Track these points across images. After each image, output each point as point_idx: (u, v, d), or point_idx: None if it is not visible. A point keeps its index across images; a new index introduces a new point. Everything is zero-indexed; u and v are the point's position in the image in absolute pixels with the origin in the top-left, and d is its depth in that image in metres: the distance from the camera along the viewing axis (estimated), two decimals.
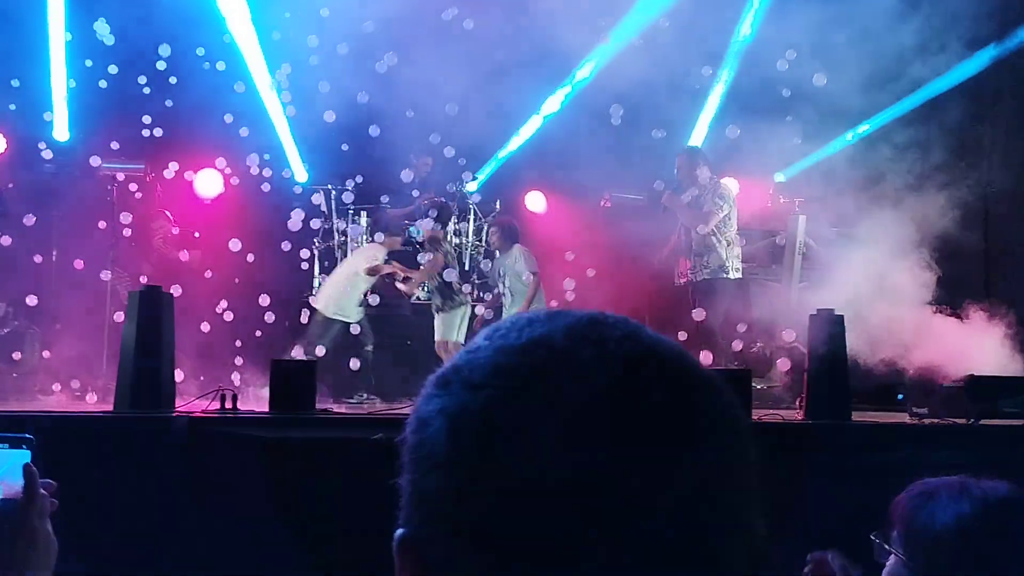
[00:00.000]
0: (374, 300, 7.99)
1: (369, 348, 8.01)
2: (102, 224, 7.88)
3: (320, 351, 7.31)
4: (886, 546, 1.82)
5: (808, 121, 8.43)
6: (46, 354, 7.40)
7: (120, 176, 8.55)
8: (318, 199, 9.17)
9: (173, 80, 8.33)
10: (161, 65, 8.22)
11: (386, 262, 8.18)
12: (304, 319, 7.86)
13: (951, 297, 7.42)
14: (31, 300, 7.47)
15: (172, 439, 4.88)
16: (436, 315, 8.17)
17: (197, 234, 8.47)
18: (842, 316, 6.10)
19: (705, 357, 6.14)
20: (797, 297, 8.09)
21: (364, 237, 9.11)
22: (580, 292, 7.89)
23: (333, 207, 9.35)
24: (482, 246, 9.34)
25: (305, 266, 8.77)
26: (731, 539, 0.68)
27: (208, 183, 9.45)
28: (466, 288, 8.49)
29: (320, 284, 9.09)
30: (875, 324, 6.82)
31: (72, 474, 1.65)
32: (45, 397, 6.51)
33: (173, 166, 8.57)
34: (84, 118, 8.96)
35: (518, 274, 8.37)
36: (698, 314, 7.22)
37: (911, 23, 7.94)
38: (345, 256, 9.03)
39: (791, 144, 8.79)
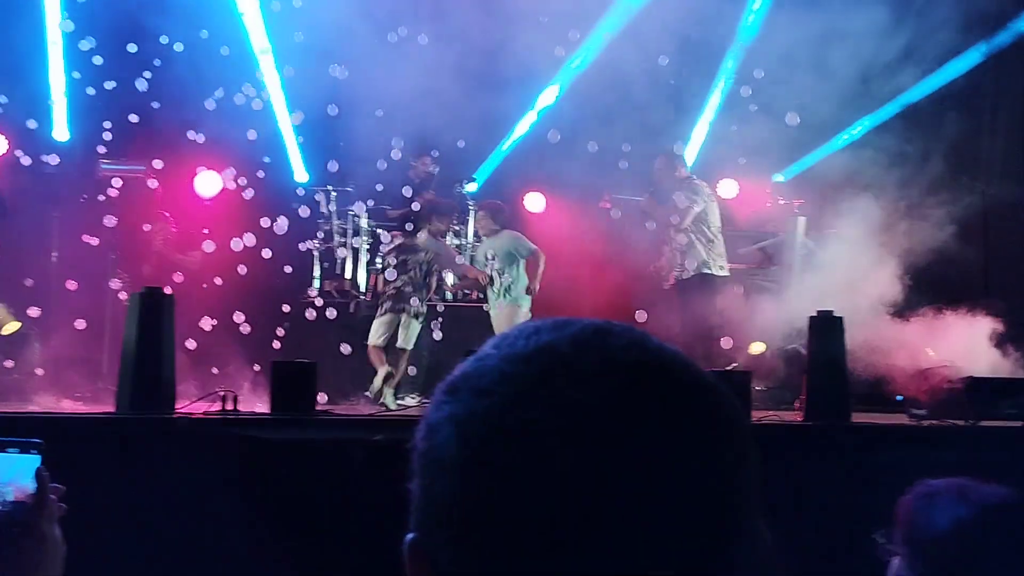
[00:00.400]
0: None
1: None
2: (105, 223, 7.87)
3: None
4: (889, 546, 1.83)
5: (807, 122, 8.43)
6: (46, 355, 7.39)
7: (120, 177, 8.55)
8: (319, 199, 9.18)
9: (171, 77, 8.31)
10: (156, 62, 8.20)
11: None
12: (310, 317, 7.83)
13: (949, 300, 7.43)
14: (33, 312, 7.47)
15: (173, 440, 4.89)
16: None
17: (206, 230, 8.45)
18: (841, 318, 6.11)
19: (700, 357, 6.15)
20: (796, 299, 8.10)
21: (365, 240, 9.11)
22: (569, 293, 7.93)
23: (333, 208, 9.35)
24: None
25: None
26: (734, 542, 0.69)
27: (207, 184, 9.46)
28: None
29: (320, 284, 9.10)
30: (871, 326, 6.83)
31: (73, 475, 1.66)
32: (46, 398, 6.50)
33: (173, 167, 8.57)
34: (84, 118, 8.96)
35: (511, 256, 8.29)
36: (640, 315, 7.08)
37: (907, 23, 7.96)
38: (347, 257, 9.05)
39: (789, 145, 8.81)
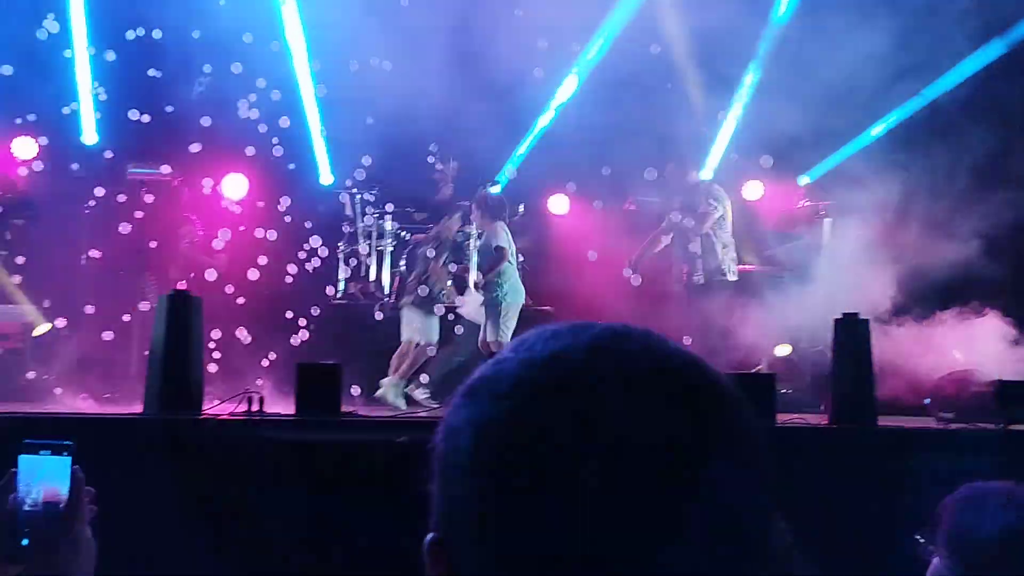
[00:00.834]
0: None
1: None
2: (129, 228, 7.95)
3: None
4: (931, 547, 1.82)
5: (831, 122, 8.38)
6: (75, 357, 7.47)
7: (147, 180, 8.65)
8: (343, 200, 9.25)
9: (200, 84, 8.41)
10: (201, 80, 8.27)
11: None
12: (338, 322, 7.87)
13: (976, 303, 7.36)
14: (59, 322, 7.56)
15: (200, 441, 4.94)
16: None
17: (228, 232, 8.53)
18: (867, 320, 6.06)
19: (717, 362, 6.12)
20: (822, 301, 8.04)
21: (389, 242, 9.15)
22: (593, 297, 7.92)
23: (358, 210, 9.40)
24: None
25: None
26: (751, 546, 0.70)
27: (234, 187, 9.55)
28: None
29: (345, 286, 9.15)
30: (899, 329, 6.78)
31: (102, 476, 1.69)
32: (75, 399, 6.59)
33: (199, 170, 8.65)
34: (111, 123, 9.06)
35: (490, 248, 8.06)
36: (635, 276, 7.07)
37: (934, 18, 7.90)
38: (372, 258, 9.11)
39: (815, 145, 8.76)
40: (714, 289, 7.85)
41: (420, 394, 7.67)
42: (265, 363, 7.20)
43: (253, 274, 7.79)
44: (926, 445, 5.54)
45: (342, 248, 9.24)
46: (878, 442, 5.58)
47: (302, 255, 8.33)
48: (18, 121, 8.44)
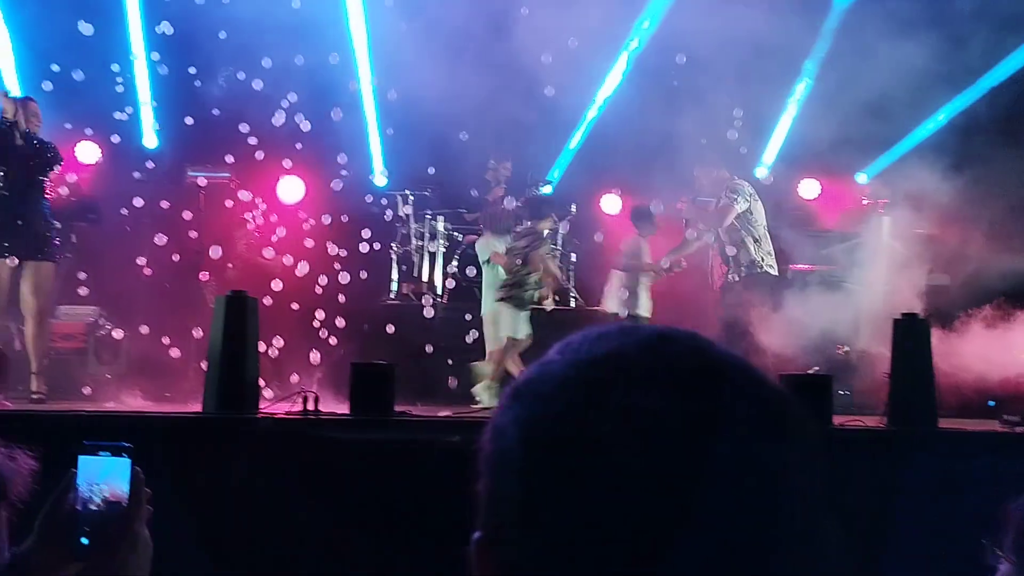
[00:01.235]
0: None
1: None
2: (193, 234, 8.10)
3: None
4: (998, 552, 1.78)
5: (887, 119, 8.24)
6: (137, 357, 7.64)
7: (205, 183, 8.81)
8: (397, 203, 9.33)
9: (258, 85, 8.51)
10: (241, 75, 8.40)
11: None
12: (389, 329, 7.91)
13: None
14: (117, 333, 7.72)
15: (257, 440, 5.02)
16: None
17: (283, 233, 8.64)
18: (927, 321, 5.94)
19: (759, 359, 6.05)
20: (881, 301, 7.90)
21: (442, 243, 9.21)
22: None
23: (411, 212, 9.48)
24: (558, 249, 9.35)
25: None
26: (796, 546, 0.69)
27: (290, 189, 9.70)
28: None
29: (398, 287, 9.22)
30: (961, 330, 6.63)
31: (162, 473, 1.72)
32: (136, 399, 6.74)
33: (256, 172, 8.79)
34: (171, 126, 9.25)
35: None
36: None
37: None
38: (424, 259, 9.16)
39: (874, 142, 8.61)
40: (752, 284, 7.76)
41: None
42: (319, 362, 7.27)
43: (307, 275, 7.88)
44: (990, 448, 5.41)
45: (395, 249, 9.32)
46: (939, 445, 5.46)
47: (356, 256, 8.41)
48: (87, 131, 8.65)
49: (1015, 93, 8.49)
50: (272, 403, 5.67)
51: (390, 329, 7.63)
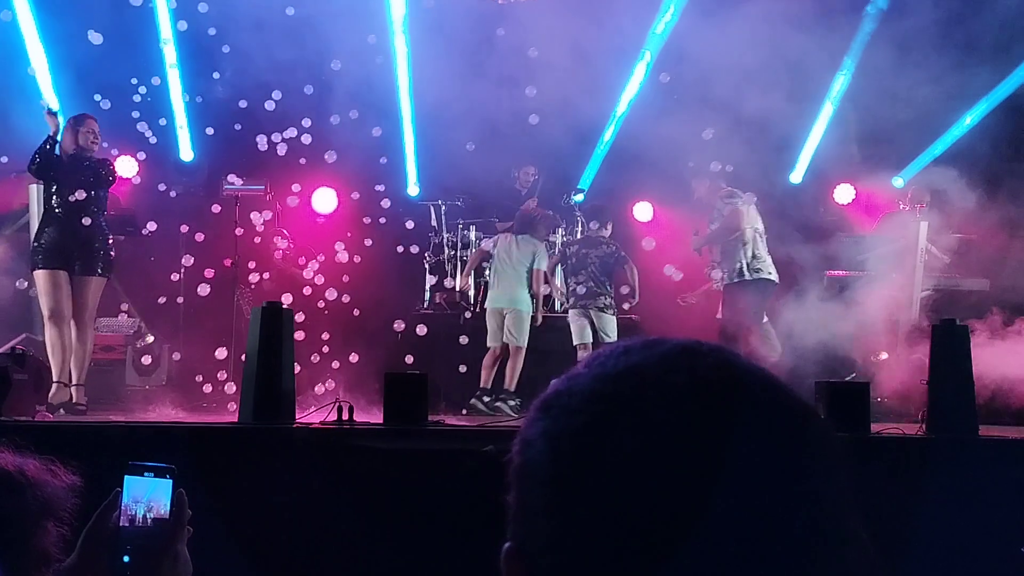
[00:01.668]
0: None
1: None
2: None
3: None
4: None
5: (919, 120, 8.16)
6: (174, 368, 7.74)
7: (241, 195, 8.92)
8: (430, 213, 9.39)
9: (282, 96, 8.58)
10: (277, 94, 8.47)
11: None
12: (420, 331, 7.96)
13: None
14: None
15: (293, 449, 5.06)
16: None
17: (318, 244, 8.72)
18: (966, 327, 5.86)
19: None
20: (918, 307, 7.81)
21: (474, 251, 9.23)
22: (673, 303, 7.89)
23: (443, 221, 9.53)
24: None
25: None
26: (821, 557, 0.70)
27: (324, 201, 9.80)
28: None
29: (431, 296, 9.27)
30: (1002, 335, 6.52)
31: (198, 482, 1.75)
32: (174, 409, 6.82)
33: (290, 184, 8.87)
34: (206, 139, 9.37)
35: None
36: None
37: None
38: (456, 268, 9.20)
39: (909, 146, 8.53)
40: (741, 290, 7.73)
41: (507, 405, 7.70)
42: (352, 372, 7.33)
43: (340, 285, 7.95)
44: None
45: (428, 258, 9.37)
46: (979, 453, 5.37)
47: (389, 265, 8.46)
48: (129, 154, 8.77)
49: None
50: (307, 413, 5.71)
51: (422, 330, 7.67)
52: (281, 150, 8.25)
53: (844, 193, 10.25)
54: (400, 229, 9.09)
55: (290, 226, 9.36)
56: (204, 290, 7.48)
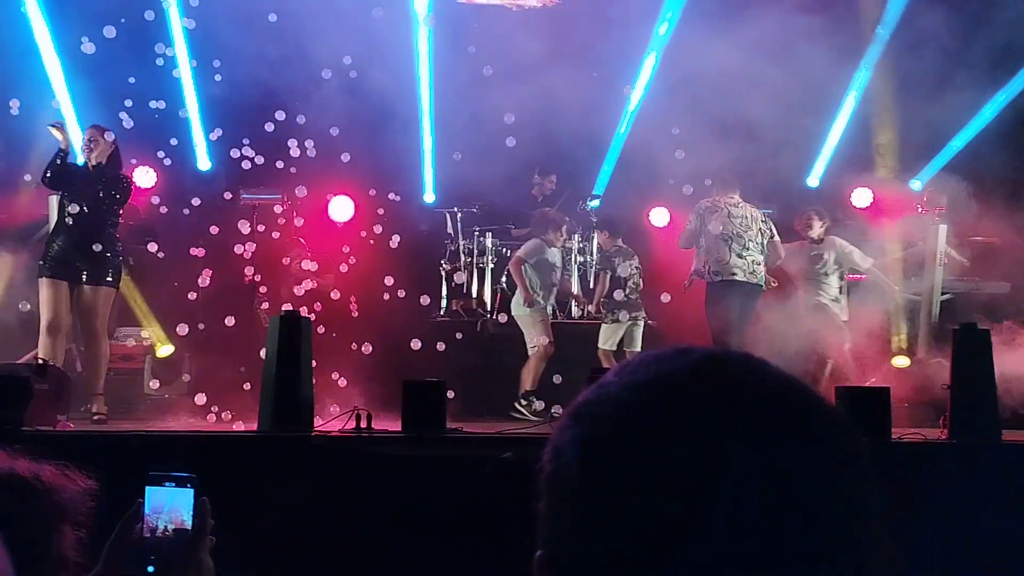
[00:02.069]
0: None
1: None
2: (204, 278, 8.17)
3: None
4: None
5: (934, 121, 8.11)
6: (194, 376, 7.78)
7: (258, 205, 8.96)
8: (445, 220, 9.41)
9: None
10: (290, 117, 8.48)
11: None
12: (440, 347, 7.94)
13: None
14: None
15: (312, 457, 5.08)
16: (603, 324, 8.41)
17: (335, 252, 8.73)
18: (987, 331, 5.81)
19: None
20: (937, 311, 7.75)
21: (491, 259, 9.24)
22: (685, 309, 7.89)
23: (459, 228, 9.54)
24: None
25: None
26: (849, 561, 0.70)
27: (341, 209, 9.83)
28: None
29: (448, 304, 9.28)
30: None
31: (218, 491, 1.75)
32: (194, 418, 6.85)
33: (307, 193, 8.91)
34: (223, 148, 9.41)
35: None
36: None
37: None
38: (474, 275, 9.22)
39: (926, 148, 8.48)
40: (699, 291, 7.87)
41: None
42: (369, 380, 7.33)
43: (358, 293, 7.98)
44: None
45: (444, 266, 9.38)
46: (1002, 458, 5.32)
47: (406, 274, 8.47)
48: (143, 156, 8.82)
49: None
50: (326, 421, 5.73)
51: (440, 346, 7.67)
52: (298, 158, 8.27)
53: (861, 196, 10.20)
54: (416, 236, 9.10)
55: (307, 234, 9.39)
56: (204, 280, 7.55)
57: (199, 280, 7.79)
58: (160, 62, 8.62)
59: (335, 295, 8.03)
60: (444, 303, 9.32)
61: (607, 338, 8.34)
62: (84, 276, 6.85)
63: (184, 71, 9.26)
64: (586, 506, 0.73)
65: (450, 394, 5.82)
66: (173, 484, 1.55)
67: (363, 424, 5.50)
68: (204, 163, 9.85)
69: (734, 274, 7.75)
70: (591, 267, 9.23)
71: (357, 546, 4.76)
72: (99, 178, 6.99)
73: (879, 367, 7.78)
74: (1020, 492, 4.90)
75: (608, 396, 0.76)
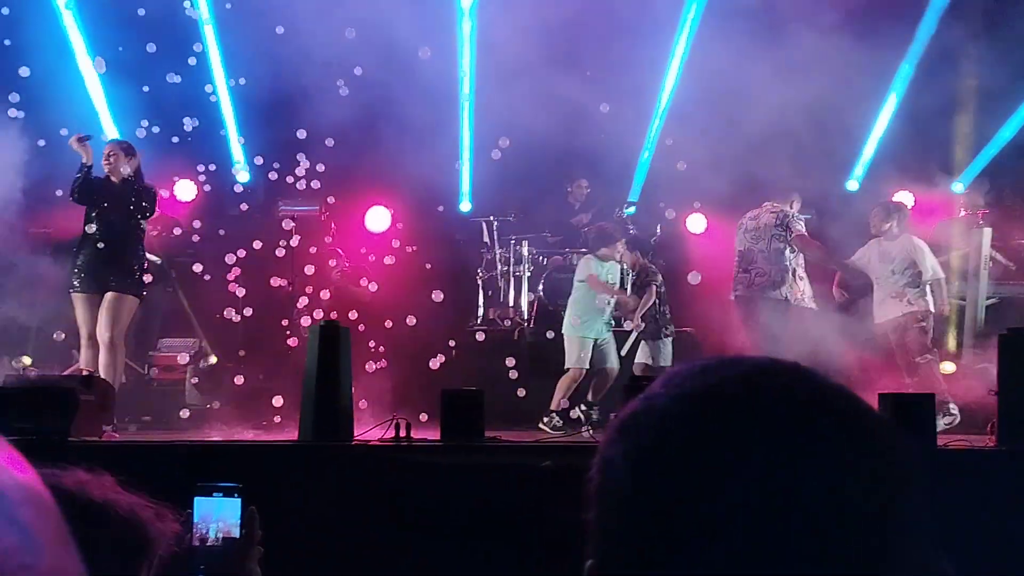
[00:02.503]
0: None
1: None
2: (238, 304, 8.25)
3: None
4: None
5: (982, 123, 7.98)
6: (236, 387, 7.86)
7: (296, 216, 9.06)
8: (481, 229, 9.44)
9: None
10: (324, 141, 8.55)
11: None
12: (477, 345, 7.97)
13: None
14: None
15: (352, 466, 5.11)
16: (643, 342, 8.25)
17: (373, 262, 8.78)
18: None
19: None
20: (983, 315, 7.62)
21: (527, 267, 9.24)
22: (722, 316, 7.81)
23: (495, 237, 9.56)
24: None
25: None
26: (898, 571, 0.70)
27: (377, 219, 9.90)
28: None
29: (484, 312, 9.28)
30: None
31: (262, 499, 1.77)
32: (237, 427, 6.92)
33: (344, 204, 8.99)
34: (262, 160, 9.53)
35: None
36: None
37: None
38: (509, 283, 9.22)
39: (969, 149, 8.35)
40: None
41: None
42: (406, 388, 7.37)
43: (396, 302, 8.01)
44: None
45: (480, 274, 9.40)
46: None
47: (441, 283, 8.50)
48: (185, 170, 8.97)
49: None
50: (366, 430, 5.76)
51: (474, 355, 7.69)
52: (333, 169, 8.35)
53: (902, 200, 10.06)
54: (453, 245, 9.14)
55: (343, 244, 9.47)
56: (232, 315, 7.62)
57: (232, 298, 7.85)
58: (193, 70, 8.71)
59: (370, 304, 8.08)
60: (481, 312, 9.33)
61: (649, 354, 8.19)
62: (112, 284, 6.96)
63: (220, 84, 9.40)
64: (634, 517, 0.73)
65: None
66: (221, 494, 1.57)
67: (402, 433, 5.53)
68: (243, 176, 9.98)
69: (736, 291, 7.73)
70: (627, 275, 9.19)
71: (396, 554, 4.77)
72: (125, 191, 7.08)
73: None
74: None
75: (654, 408, 0.76)
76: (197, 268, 7.96)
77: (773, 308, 7.52)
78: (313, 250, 8.64)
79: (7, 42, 8.45)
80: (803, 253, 7.70)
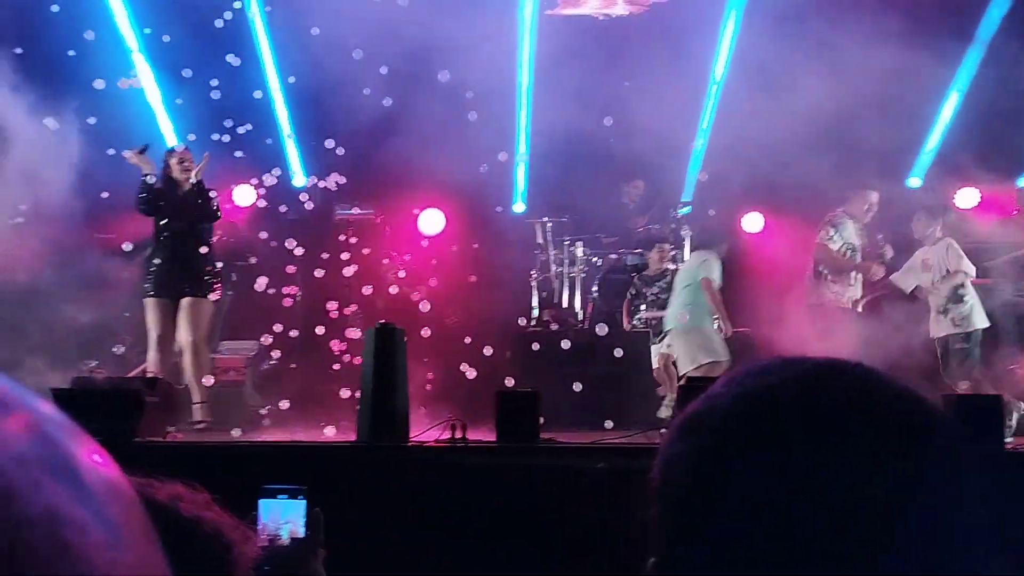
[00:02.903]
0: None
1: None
2: (340, 266, 8.38)
3: None
4: None
5: None
6: (294, 389, 7.98)
7: (352, 220, 9.16)
8: (535, 230, 9.44)
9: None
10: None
11: None
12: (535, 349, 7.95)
13: None
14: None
15: (409, 467, 5.15)
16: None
17: (429, 265, 8.84)
18: None
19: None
20: None
21: (581, 268, 9.22)
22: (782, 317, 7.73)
23: (549, 238, 9.55)
24: None
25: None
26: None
27: (431, 222, 9.96)
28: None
29: (538, 314, 9.29)
30: None
31: (324, 500, 1.80)
32: (295, 429, 7.01)
33: (398, 207, 9.06)
34: (318, 163, 9.64)
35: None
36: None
37: None
38: (563, 285, 9.21)
39: None
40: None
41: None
42: (462, 390, 7.39)
43: (450, 304, 8.06)
44: None
45: (534, 276, 9.40)
46: None
47: (495, 284, 8.53)
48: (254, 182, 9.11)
49: None
50: (422, 431, 5.80)
51: (529, 356, 7.69)
52: (388, 171, 8.42)
53: (967, 197, 9.83)
54: (506, 247, 9.15)
55: (398, 247, 9.54)
56: (320, 312, 7.70)
57: (296, 294, 7.97)
58: (237, 66, 8.82)
59: (425, 307, 8.12)
60: (535, 313, 9.33)
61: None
62: (187, 290, 7.14)
63: (275, 88, 9.53)
64: (695, 516, 0.73)
65: None
66: (286, 496, 1.61)
67: (458, 434, 5.56)
68: (299, 179, 10.12)
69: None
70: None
71: (454, 554, 4.80)
72: (192, 196, 7.25)
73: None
74: None
75: (715, 407, 0.76)
76: (260, 285, 8.04)
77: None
78: (367, 251, 8.69)
79: (71, 52, 8.67)
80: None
